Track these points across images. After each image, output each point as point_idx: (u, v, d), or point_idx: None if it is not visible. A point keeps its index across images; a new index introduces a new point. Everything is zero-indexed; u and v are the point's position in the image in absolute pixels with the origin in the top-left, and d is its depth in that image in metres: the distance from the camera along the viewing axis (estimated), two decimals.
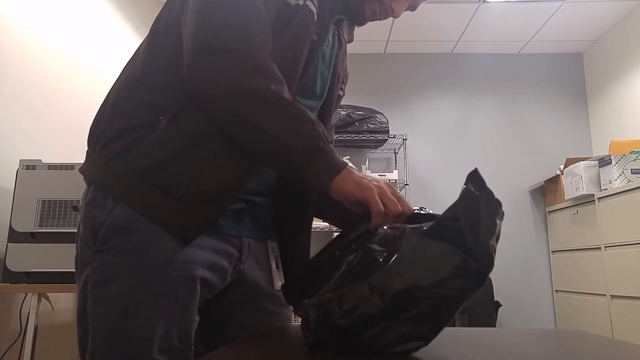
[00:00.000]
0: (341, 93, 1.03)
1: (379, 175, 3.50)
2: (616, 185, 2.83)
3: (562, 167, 3.42)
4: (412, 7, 0.95)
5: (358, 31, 1.05)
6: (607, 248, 2.88)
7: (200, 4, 0.77)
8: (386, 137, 3.69)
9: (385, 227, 0.68)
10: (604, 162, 2.97)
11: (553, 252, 3.71)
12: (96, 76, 2.59)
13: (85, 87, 2.48)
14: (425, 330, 0.59)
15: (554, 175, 3.59)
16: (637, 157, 2.85)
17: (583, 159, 3.16)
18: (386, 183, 0.75)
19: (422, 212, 0.74)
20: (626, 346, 0.70)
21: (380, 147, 3.87)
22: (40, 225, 1.73)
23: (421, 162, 3.92)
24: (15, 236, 1.72)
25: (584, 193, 3.04)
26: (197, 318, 0.80)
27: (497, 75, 4.08)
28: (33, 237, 1.72)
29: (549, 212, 3.75)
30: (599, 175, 3.02)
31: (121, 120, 0.79)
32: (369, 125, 3.64)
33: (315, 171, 0.73)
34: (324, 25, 0.89)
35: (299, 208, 0.96)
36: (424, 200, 3.78)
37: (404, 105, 4.05)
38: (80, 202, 0.82)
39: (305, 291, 0.69)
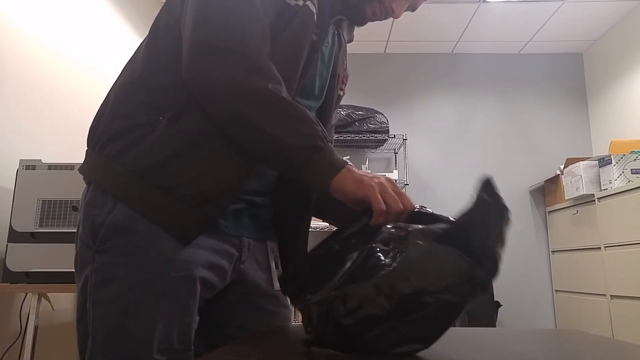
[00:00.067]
0: (341, 93, 1.03)
1: None
2: (616, 185, 2.83)
3: (562, 167, 3.42)
4: (413, 8, 0.95)
5: (358, 31, 1.05)
6: (607, 248, 2.88)
7: (198, 3, 0.76)
8: (386, 137, 3.69)
9: (389, 226, 0.68)
10: (604, 162, 2.97)
11: (553, 252, 3.71)
12: (96, 76, 2.59)
13: (85, 87, 2.48)
14: (428, 333, 0.59)
15: (554, 175, 3.59)
16: (637, 157, 2.85)
17: (583, 159, 3.16)
18: (387, 179, 0.75)
19: (422, 210, 0.74)
20: (626, 346, 0.70)
21: (380, 147, 3.87)
22: (40, 225, 1.73)
23: (421, 162, 3.92)
24: (15, 236, 1.72)
25: (584, 193, 3.04)
26: (197, 318, 0.80)
27: (497, 75, 4.08)
28: (33, 237, 1.72)
29: (549, 212, 3.75)
30: (599, 175, 3.02)
31: (121, 120, 0.79)
32: (369, 125, 3.64)
33: (315, 171, 0.73)
34: (324, 25, 0.89)
35: (298, 208, 0.96)
36: (424, 200, 3.78)
37: (404, 105, 4.05)
38: (80, 202, 0.82)
39: (305, 285, 0.69)
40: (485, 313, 3.25)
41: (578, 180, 3.10)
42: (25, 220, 1.73)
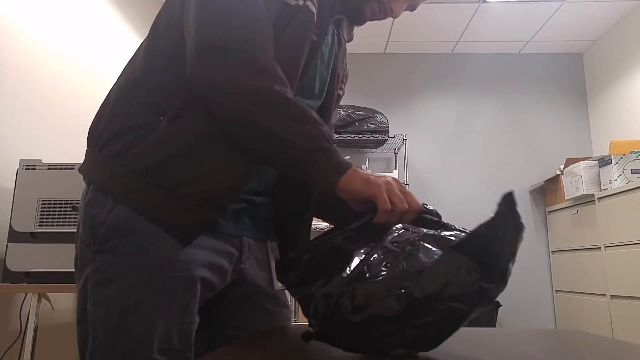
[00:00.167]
0: (341, 93, 1.03)
1: None
2: (616, 185, 2.83)
3: (562, 167, 3.42)
4: (412, 7, 0.95)
5: (358, 31, 1.05)
6: (607, 248, 2.88)
7: (202, 4, 0.76)
8: (386, 137, 3.68)
9: (399, 226, 0.68)
10: (604, 162, 2.97)
11: (553, 252, 3.71)
12: (96, 76, 2.59)
13: (85, 87, 2.48)
14: (431, 338, 0.59)
15: (554, 175, 3.59)
16: (637, 157, 2.85)
17: (583, 159, 3.16)
18: (394, 179, 0.75)
19: (427, 216, 0.74)
20: (626, 346, 0.70)
21: (380, 147, 3.87)
22: (40, 225, 1.73)
23: (421, 162, 3.92)
24: (15, 236, 1.72)
25: (584, 193, 3.04)
26: (197, 318, 0.80)
27: (497, 75, 4.08)
28: (33, 237, 1.72)
29: (549, 212, 3.75)
30: (599, 175, 3.01)
31: (121, 120, 0.79)
32: (369, 125, 3.64)
33: (321, 171, 0.73)
34: (324, 25, 0.89)
35: (298, 208, 0.96)
36: (424, 200, 3.77)
37: (404, 105, 4.05)
38: (80, 202, 0.82)
39: (306, 276, 0.68)
40: (485, 313, 3.25)
41: (578, 180, 3.10)
42: (25, 220, 1.73)
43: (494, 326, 3.31)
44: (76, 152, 2.32)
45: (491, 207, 0.58)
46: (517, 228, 0.58)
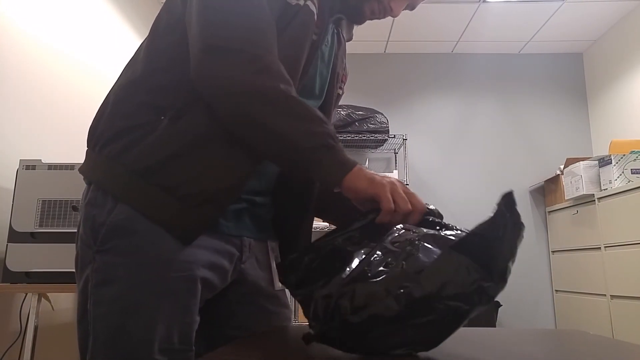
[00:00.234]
0: (340, 92, 1.03)
1: None
2: (616, 185, 2.83)
3: (562, 167, 3.42)
4: (411, 7, 0.96)
5: (358, 31, 1.05)
6: (607, 248, 2.88)
7: (205, 4, 0.76)
8: (386, 137, 3.68)
9: (399, 227, 0.68)
10: (604, 162, 2.97)
11: (553, 252, 3.71)
12: (96, 76, 2.59)
13: (85, 87, 2.48)
14: (432, 338, 0.59)
15: (554, 175, 3.59)
16: (637, 157, 2.85)
17: (583, 159, 3.16)
18: (398, 180, 0.75)
19: (429, 218, 0.74)
20: (626, 346, 0.70)
21: (380, 147, 3.87)
22: (40, 225, 1.73)
23: (421, 162, 3.92)
24: (15, 236, 1.72)
25: (584, 193, 3.04)
26: (198, 318, 0.80)
27: (497, 75, 4.08)
28: (33, 237, 1.72)
29: (549, 212, 3.75)
30: (599, 175, 3.02)
31: (121, 120, 0.79)
32: (369, 125, 3.64)
33: (326, 169, 0.73)
34: (324, 24, 0.89)
35: (298, 208, 0.96)
36: (424, 200, 3.78)
37: (404, 105, 4.05)
38: (80, 202, 0.82)
39: (307, 277, 0.69)
40: (485, 313, 3.25)
41: (578, 180, 3.10)
42: (25, 220, 1.73)
43: (494, 326, 3.31)
44: (76, 152, 2.32)
45: (491, 207, 0.58)
46: (516, 227, 0.58)
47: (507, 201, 0.57)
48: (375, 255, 0.63)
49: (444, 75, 4.09)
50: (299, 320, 3.22)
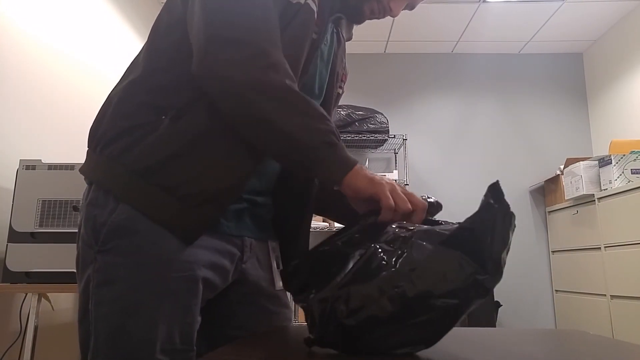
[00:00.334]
0: (340, 91, 1.03)
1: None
2: (616, 185, 2.83)
3: (562, 167, 3.42)
4: (410, 6, 0.96)
5: (358, 31, 1.05)
6: (607, 248, 2.88)
7: (208, 4, 0.76)
8: (386, 137, 3.68)
9: (393, 226, 0.68)
10: (604, 162, 2.97)
11: (553, 252, 3.71)
12: (96, 76, 2.59)
13: (85, 87, 2.48)
14: (431, 335, 0.59)
15: (554, 175, 3.59)
16: (637, 157, 2.85)
17: (583, 159, 3.16)
18: (397, 184, 0.76)
19: (429, 218, 0.74)
20: (626, 346, 0.70)
21: (380, 147, 3.87)
22: (40, 225, 1.73)
23: (421, 162, 3.92)
24: (15, 236, 1.72)
25: (584, 193, 3.04)
26: (199, 318, 0.80)
27: (497, 75, 4.08)
28: (33, 237, 1.72)
29: (549, 212, 3.75)
30: (599, 175, 3.02)
31: (122, 121, 0.79)
32: (369, 125, 3.64)
33: (327, 167, 0.73)
34: (324, 23, 0.89)
35: (298, 208, 0.96)
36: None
37: (404, 105, 4.05)
38: (81, 202, 0.82)
39: (308, 282, 0.68)
40: (485, 313, 3.25)
41: (578, 180, 3.10)
42: (25, 220, 1.73)
43: (494, 326, 3.31)
44: (76, 152, 2.32)
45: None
46: (507, 217, 0.58)
47: (494, 192, 0.57)
48: (370, 256, 0.63)
49: (444, 75, 4.09)
50: (299, 320, 3.22)
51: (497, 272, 0.57)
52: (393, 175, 3.60)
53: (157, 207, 0.75)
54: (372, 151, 3.92)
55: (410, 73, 4.10)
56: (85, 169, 0.83)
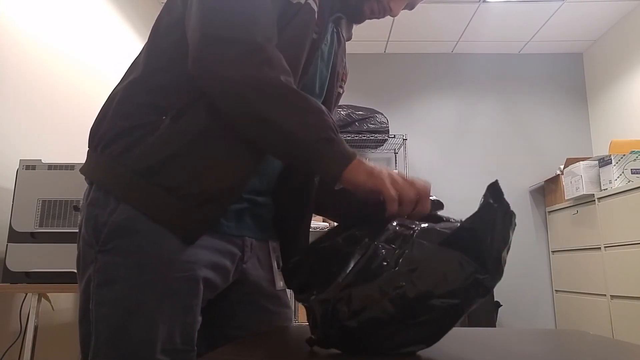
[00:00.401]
0: (341, 91, 1.03)
1: None
2: (616, 185, 2.83)
3: (562, 167, 3.42)
4: (410, 6, 0.96)
5: (358, 32, 1.05)
6: (607, 248, 2.88)
7: (205, 3, 0.76)
8: (386, 137, 3.68)
9: (394, 224, 0.68)
10: (604, 162, 2.97)
11: (553, 252, 3.71)
12: (96, 76, 2.59)
13: (85, 87, 2.48)
14: (431, 335, 0.59)
15: (554, 175, 3.59)
16: (637, 157, 2.85)
17: (583, 159, 3.16)
18: (398, 172, 0.75)
19: (432, 213, 0.74)
20: (626, 346, 0.70)
21: (380, 147, 3.87)
22: (40, 225, 1.73)
23: (421, 162, 3.92)
24: (15, 236, 1.72)
25: (584, 193, 3.04)
26: (200, 318, 0.80)
27: (497, 75, 4.08)
28: (33, 237, 1.72)
29: (549, 212, 3.75)
30: (599, 175, 3.02)
31: (122, 121, 0.79)
32: (369, 125, 3.64)
33: (327, 162, 0.73)
34: (324, 23, 0.89)
35: (298, 207, 0.96)
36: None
37: (404, 105, 4.05)
38: (82, 202, 0.82)
39: (309, 280, 0.68)
40: (485, 313, 3.25)
41: (578, 180, 3.10)
42: (25, 220, 1.73)
43: (494, 326, 3.31)
44: (76, 152, 2.32)
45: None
46: (507, 216, 0.58)
47: (494, 191, 0.57)
48: (370, 255, 0.63)
49: (444, 75, 4.09)
50: (300, 320, 3.22)
51: (497, 271, 0.57)
52: None
53: (158, 207, 0.75)
54: (372, 151, 3.92)
55: (410, 73, 4.10)
56: (85, 169, 0.83)
